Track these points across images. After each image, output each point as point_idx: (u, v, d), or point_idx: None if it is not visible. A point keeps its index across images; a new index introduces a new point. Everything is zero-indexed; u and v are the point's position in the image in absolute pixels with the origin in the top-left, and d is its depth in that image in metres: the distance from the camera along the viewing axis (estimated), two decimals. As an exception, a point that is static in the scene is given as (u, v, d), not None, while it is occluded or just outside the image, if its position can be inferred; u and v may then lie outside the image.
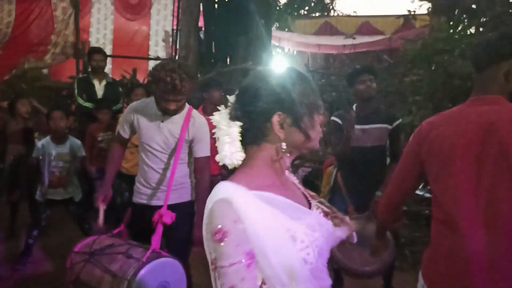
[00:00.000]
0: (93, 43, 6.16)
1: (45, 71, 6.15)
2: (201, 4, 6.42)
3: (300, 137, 1.01)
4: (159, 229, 1.99)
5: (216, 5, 6.59)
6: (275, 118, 0.98)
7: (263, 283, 0.93)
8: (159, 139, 2.19)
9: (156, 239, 1.95)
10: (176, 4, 6.38)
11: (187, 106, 2.22)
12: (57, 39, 5.42)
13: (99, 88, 4.43)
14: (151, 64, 6.21)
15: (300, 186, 1.16)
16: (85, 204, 3.49)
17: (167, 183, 2.15)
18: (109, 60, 5.93)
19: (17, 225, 3.78)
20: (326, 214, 1.12)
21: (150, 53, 6.45)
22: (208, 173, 2.25)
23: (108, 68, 5.78)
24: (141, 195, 2.26)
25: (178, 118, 2.17)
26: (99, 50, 4.53)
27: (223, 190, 0.94)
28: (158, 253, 1.92)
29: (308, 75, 1.09)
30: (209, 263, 0.90)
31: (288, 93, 0.99)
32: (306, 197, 1.12)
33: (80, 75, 5.08)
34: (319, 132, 1.05)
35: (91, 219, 3.02)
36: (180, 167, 2.19)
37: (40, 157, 3.36)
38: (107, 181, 2.31)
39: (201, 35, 6.78)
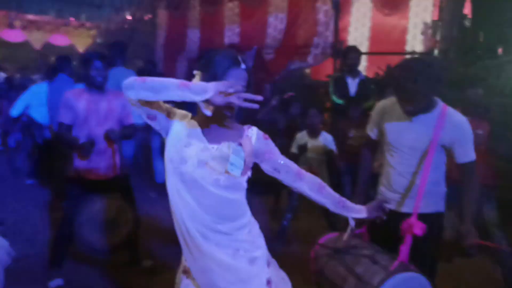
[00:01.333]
0: (351, 41, 6.36)
1: (307, 70, 6.80)
2: (468, -11, 5.72)
3: None
4: (408, 240, 1.89)
5: (488, -13, 5.73)
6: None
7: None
8: (407, 140, 2.06)
9: (405, 250, 1.86)
10: (439, -7, 5.88)
11: (439, 104, 2.01)
12: (319, 40, 5.84)
13: (352, 85, 4.55)
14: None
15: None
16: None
17: (417, 189, 2.00)
18: (364, 57, 6.02)
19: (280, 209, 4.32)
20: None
21: (407, 48, 6.19)
22: (477, 180, 2.02)
23: (362, 66, 5.87)
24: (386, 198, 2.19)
25: (430, 118, 1.99)
26: (354, 49, 4.64)
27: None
28: (406, 265, 1.82)
29: None
30: None
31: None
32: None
33: (336, 74, 5.35)
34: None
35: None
36: (432, 173, 2.00)
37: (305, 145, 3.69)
38: (359, 190, 2.32)
39: (466, 25, 6.04)
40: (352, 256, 1.94)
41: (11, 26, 10.82)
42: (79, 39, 11.59)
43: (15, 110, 5.00)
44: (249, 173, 1.57)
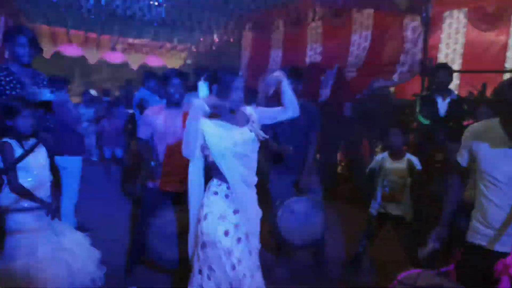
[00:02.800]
0: (442, 58, 5.96)
1: (392, 89, 6.48)
2: None
3: None
4: (505, 282, 1.66)
5: None
6: None
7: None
8: (507, 169, 1.82)
9: None
10: (548, 4, 5.29)
11: None
12: (406, 57, 5.57)
13: (442, 105, 4.23)
14: (507, 77, 5.43)
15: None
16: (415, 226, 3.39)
17: None
18: (456, 76, 5.60)
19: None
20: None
21: (506, 65, 5.63)
22: None
23: (454, 84, 5.46)
24: (479, 235, 1.93)
25: None
26: (444, 66, 4.34)
27: None
28: None
29: None
30: None
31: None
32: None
33: (424, 93, 5.03)
34: None
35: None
36: None
37: (375, 169, 3.52)
38: (443, 222, 2.15)
39: None
40: None
41: (113, 49, 11.91)
42: (171, 60, 12.39)
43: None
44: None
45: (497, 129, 1.86)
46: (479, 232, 1.92)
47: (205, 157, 2.41)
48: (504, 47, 5.66)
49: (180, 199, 3.08)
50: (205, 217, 2.34)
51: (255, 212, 2.50)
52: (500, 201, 1.85)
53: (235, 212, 2.40)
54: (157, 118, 3.11)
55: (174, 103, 3.12)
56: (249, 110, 2.51)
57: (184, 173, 3.12)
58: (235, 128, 2.38)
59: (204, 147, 2.37)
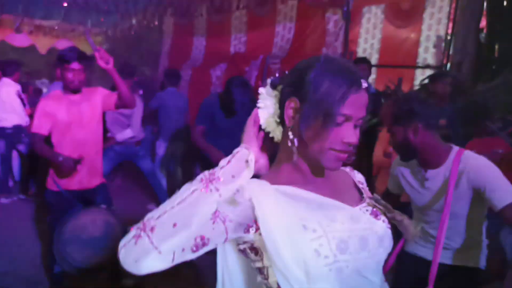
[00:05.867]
0: (360, 53, 6.16)
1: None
2: (484, 2, 5.50)
3: (306, 135, 0.93)
4: None
5: (505, 1, 5.51)
6: (288, 104, 0.95)
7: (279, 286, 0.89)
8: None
9: None
10: (454, 5, 5.67)
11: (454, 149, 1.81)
12: (327, 51, 5.65)
13: (362, 99, 4.34)
14: (418, 72, 5.76)
15: (359, 184, 1.08)
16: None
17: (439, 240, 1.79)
18: (374, 70, 5.81)
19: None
20: (376, 214, 0.99)
21: (418, 60, 5.97)
22: None
23: (372, 78, 5.66)
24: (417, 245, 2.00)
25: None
26: (363, 60, 4.45)
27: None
28: None
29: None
30: None
31: (304, 80, 0.93)
32: (361, 196, 1.04)
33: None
34: (325, 148, 0.92)
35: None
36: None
37: None
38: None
39: (481, 38, 5.82)
40: None
41: (17, 30, 10.76)
42: (85, 45, 11.53)
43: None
44: None
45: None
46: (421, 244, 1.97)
47: None
48: (416, 43, 5.99)
49: (88, 197, 2.81)
50: None
51: None
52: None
53: None
54: (58, 108, 2.77)
55: (72, 90, 2.78)
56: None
57: (91, 166, 2.84)
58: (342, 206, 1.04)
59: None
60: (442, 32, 6.02)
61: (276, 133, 1.04)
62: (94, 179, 2.90)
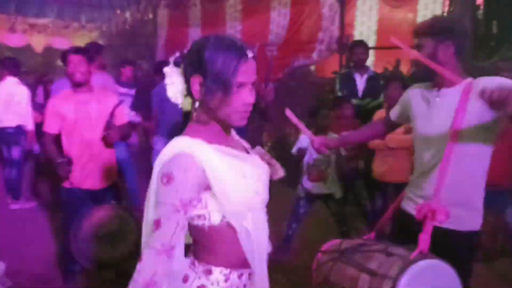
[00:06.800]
0: (357, 36, 6.10)
1: (312, 67, 6.54)
2: (481, -22, 5.43)
3: (213, 104, 1.14)
4: (428, 227, 1.60)
5: (501, -24, 5.45)
6: (193, 80, 1.14)
7: (223, 217, 1.15)
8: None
9: (425, 239, 1.58)
10: (450, -18, 5.60)
11: None
12: (324, 35, 5.61)
13: (361, 82, 4.32)
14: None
15: (239, 139, 1.34)
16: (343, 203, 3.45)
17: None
18: (372, 52, 5.76)
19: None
20: (261, 158, 1.35)
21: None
22: None
23: (370, 61, 5.61)
24: (410, 201, 1.93)
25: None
26: (360, 43, 4.42)
27: (182, 143, 1.14)
28: (427, 254, 1.57)
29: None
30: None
31: (201, 59, 1.12)
32: (245, 147, 1.34)
33: (343, 70, 5.11)
34: (231, 111, 1.14)
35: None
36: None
37: (305, 149, 3.48)
38: None
39: (478, 16, 5.75)
40: (363, 254, 1.67)
41: (12, 30, 10.69)
42: (80, 41, 11.45)
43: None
44: None
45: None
46: (411, 199, 1.90)
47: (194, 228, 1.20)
48: (413, 23, 5.92)
49: (100, 197, 2.83)
50: None
51: None
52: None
53: None
54: (66, 106, 2.77)
55: (77, 84, 2.78)
56: None
57: (102, 166, 2.85)
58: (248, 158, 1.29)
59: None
60: (438, 11, 5.96)
61: (185, 104, 1.22)
62: (106, 179, 2.90)
